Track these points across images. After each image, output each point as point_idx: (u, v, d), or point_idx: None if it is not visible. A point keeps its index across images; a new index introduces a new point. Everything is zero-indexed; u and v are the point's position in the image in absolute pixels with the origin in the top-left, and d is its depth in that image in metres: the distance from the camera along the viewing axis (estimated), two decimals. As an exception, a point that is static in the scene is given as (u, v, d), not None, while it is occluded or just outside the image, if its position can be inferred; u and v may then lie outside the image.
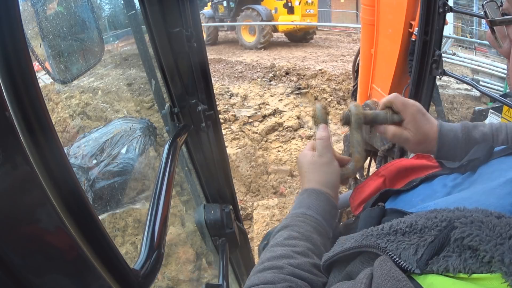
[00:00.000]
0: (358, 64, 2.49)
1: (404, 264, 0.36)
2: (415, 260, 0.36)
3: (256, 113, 5.67)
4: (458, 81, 5.55)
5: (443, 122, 0.75)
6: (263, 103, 6.06)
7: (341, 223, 0.78)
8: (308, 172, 0.69)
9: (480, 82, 6.03)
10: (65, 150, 1.11)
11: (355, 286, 0.38)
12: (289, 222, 0.61)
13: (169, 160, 0.72)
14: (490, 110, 3.75)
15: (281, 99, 6.34)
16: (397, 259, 0.37)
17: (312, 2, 10.70)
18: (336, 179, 0.70)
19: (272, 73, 7.59)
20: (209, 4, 12.39)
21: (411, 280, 0.35)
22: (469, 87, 5.46)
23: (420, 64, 1.65)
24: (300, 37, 11.16)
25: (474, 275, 0.32)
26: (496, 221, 0.35)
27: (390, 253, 0.38)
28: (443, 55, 1.62)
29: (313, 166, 0.69)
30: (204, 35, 8.90)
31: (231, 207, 1.08)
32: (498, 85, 6.31)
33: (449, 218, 0.38)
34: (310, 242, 0.58)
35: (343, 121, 0.76)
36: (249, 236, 1.28)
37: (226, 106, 5.89)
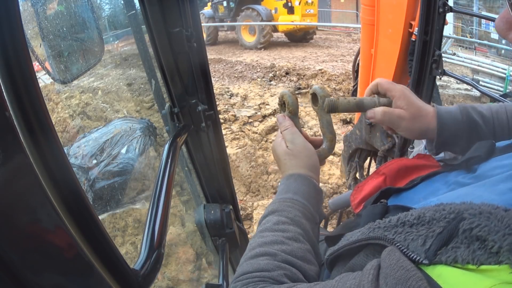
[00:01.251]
0: (358, 64, 2.49)
1: (412, 255, 0.36)
2: (424, 251, 0.36)
3: (256, 113, 5.67)
4: (458, 81, 5.55)
5: (438, 106, 0.71)
6: (263, 103, 6.06)
7: (341, 223, 0.78)
8: (288, 161, 0.69)
9: (480, 82, 6.03)
10: (65, 150, 1.11)
11: (362, 277, 0.38)
12: (277, 207, 0.60)
13: (169, 160, 0.72)
14: (490, 110, 3.74)
15: (281, 99, 6.33)
16: (405, 250, 0.37)
17: (312, 2, 10.69)
18: (315, 161, 0.70)
19: (272, 73, 7.58)
20: (209, 4, 12.38)
21: (419, 271, 0.35)
22: (469, 87, 5.46)
23: (420, 64, 1.65)
24: (300, 37, 11.16)
25: (483, 267, 0.32)
26: (503, 213, 0.35)
27: (398, 244, 0.38)
28: (443, 55, 1.62)
29: (291, 154, 0.69)
30: (204, 35, 8.92)
31: (231, 207, 1.08)
32: (498, 85, 6.30)
33: (457, 210, 0.38)
34: (300, 227, 0.57)
35: (311, 101, 0.76)
36: (249, 236, 1.28)
37: (226, 106, 5.89)
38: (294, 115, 0.75)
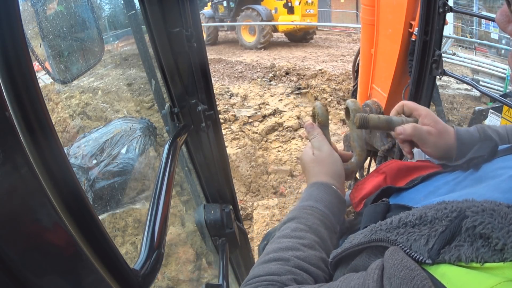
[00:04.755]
0: (358, 64, 2.48)
1: (415, 255, 0.36)
2: (426, 251, 0.36)
3: (256, 113, 5.67)
4: (458, 81, 5.55)
5: (456, 126, 0.75)
6: (263, 103, 6.06)
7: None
8: (312, 167, 0.70)
9: (480, 82, 6.03)
10: (65, 150, 1.11)
11: (367, 276, 0.38)
12: (297, 214, 0.61)
13: (169, 160, 0.72)
14: (490, 110, 3.74)
15: (281, 99, 6.34)
16: (407, 250, 0.37)
17: (312, 2, 10.69)
18: (340, 169, 0.70)
19: (272, 73, 7.58)
20: (209, 4, 12.39)
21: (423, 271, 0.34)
22: (469, 87, 5.45)
23: (420, 64, 1.65)
24: (300, 37, 11.16)
25: (487, 264, 0.32)
26: (506, 209, 0.35)
27: (401, 245, 0.38)
28: (443, 55, 1.62)
29: (316, 161, 0.70)
30: (204, 35, 8.92)
31: (231, 207, 1.08)
32: (498, 85, 6.31)
33: (459, 208, 0.37)
34: (317, 236, 0.57)
35: (353, 118, 0.78)
36: (249, 236, 1.28)
37: (226, 106, 5.89)
38: (324, 126, 0.77)
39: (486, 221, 0.34)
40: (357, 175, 2.58)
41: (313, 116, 0.80)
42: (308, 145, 0.75)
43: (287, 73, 7.42)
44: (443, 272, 0.34)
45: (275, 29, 10.76)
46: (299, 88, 6.70)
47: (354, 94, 2.67)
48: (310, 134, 0.74)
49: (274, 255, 0.53)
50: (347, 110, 0.78)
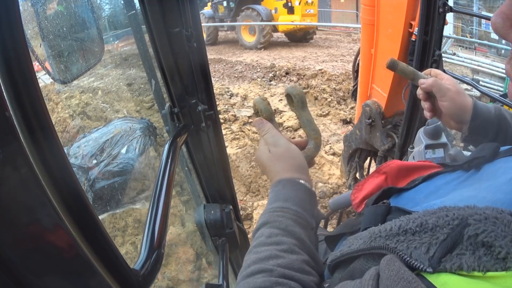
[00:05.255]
0: (358, 64, 2.49)
1: (415, 263, 0.35)
2: (427, 259, 0.35)
3: (256, 113, 5.67)
4: (458, 81, 5.54)
5: None
6: (263, 103, 6.06)
7: (341, 223, 0.78)
8: (273, 166, 0.67)
9: (480, 82, 6.02)
10: (65, 150, 1.11)
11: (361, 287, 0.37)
12: (268, 218, 0.58)
13: (169, 160, 0.72)
14: (490, 110, 3.74)
15: (281, 99, 6.33)
16: (408, 258, 0.36)
17: (312, 2, 10.69)
18: (301, 160, 0.68)
19: (272, 73, 7.58)
20: (209, 4, 12.39)
21: (422, 279, 0.34)
22: (469, 87, 5.45)
23: (420, 64, 1.65)
24: (300, 37, 11.16)
25: (489, 273, 0.31)
26: (509, 217, 0.34)
27: (401, 253, 0.37)
28: (443, 55, 1.62)
29: (275, 157, 0.67)
30: (204, 35, 8.92)
31: (231, 207, 1.08)
32: (498, 85, 6.30)
33: (461, 216, 0.37)
34: (294, 238, 0.55)
35: (288, 101, 0.76)
36: (249, 236, 1.28)
37: (226, 106, 5.89)
38: (271, 121, 0.73)
39: (489, 229, 0.33)
40: (357, 175, 2.58)
41: (256, 113, 0.75)
42: (262, 143, 0.71)
43: (287, 73, 7.42)
44: (444, 281, 0.33)
45: (275, 29, 10.75)
46: (299, 88, 6.70)
47: (354, 94, 2.67)
48: (261, 130, 0.71)
49: (256, 267, 0.50)
50: (288, 96, 0.74)
